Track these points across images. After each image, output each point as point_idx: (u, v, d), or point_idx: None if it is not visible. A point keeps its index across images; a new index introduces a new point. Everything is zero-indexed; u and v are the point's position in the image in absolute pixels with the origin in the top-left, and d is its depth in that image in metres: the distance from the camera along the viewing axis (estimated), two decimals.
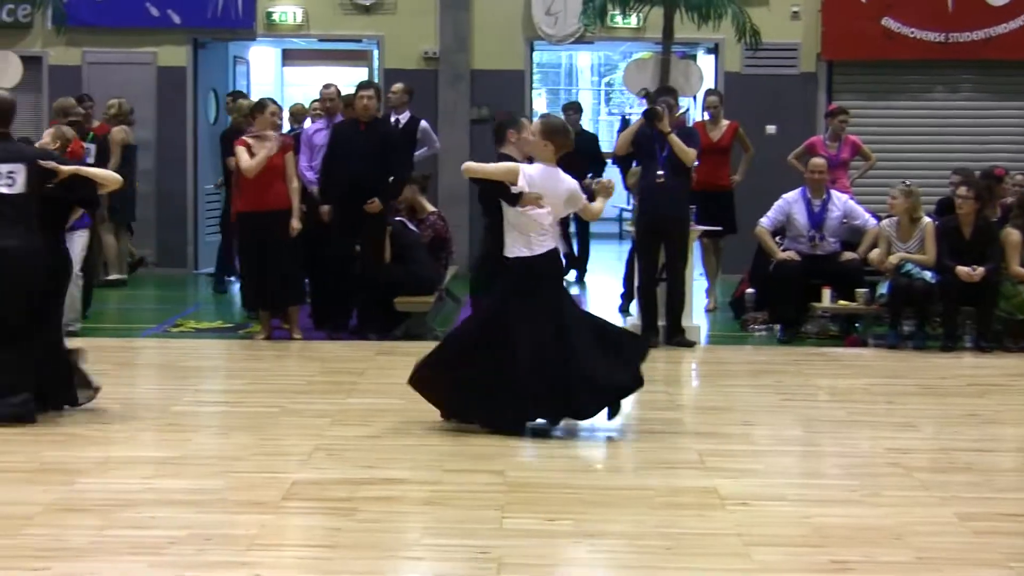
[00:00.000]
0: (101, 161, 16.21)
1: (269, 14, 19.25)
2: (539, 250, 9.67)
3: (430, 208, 14.71)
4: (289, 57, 24.71)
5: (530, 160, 10.10)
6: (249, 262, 13.72)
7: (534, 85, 21.21)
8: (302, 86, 23.26)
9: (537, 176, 9.70)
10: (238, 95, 17.45)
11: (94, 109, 17.39)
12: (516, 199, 9.60)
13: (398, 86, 16.33)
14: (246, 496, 7.92)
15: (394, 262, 13.76)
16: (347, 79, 19.06)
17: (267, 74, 23.90)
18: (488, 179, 9.87)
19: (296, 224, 13.41)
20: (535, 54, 20.29)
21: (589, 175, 14.24)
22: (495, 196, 9.85)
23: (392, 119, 15.63)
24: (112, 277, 17.46)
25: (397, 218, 14.05)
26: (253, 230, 13.49)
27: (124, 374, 11.92)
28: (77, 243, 13.63)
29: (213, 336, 14.07)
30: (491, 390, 9.53)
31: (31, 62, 18.25)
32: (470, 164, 9.92)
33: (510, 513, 7.58)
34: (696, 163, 13.71)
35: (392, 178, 13.76)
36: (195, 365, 12.80)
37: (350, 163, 13.61)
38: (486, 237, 11.33)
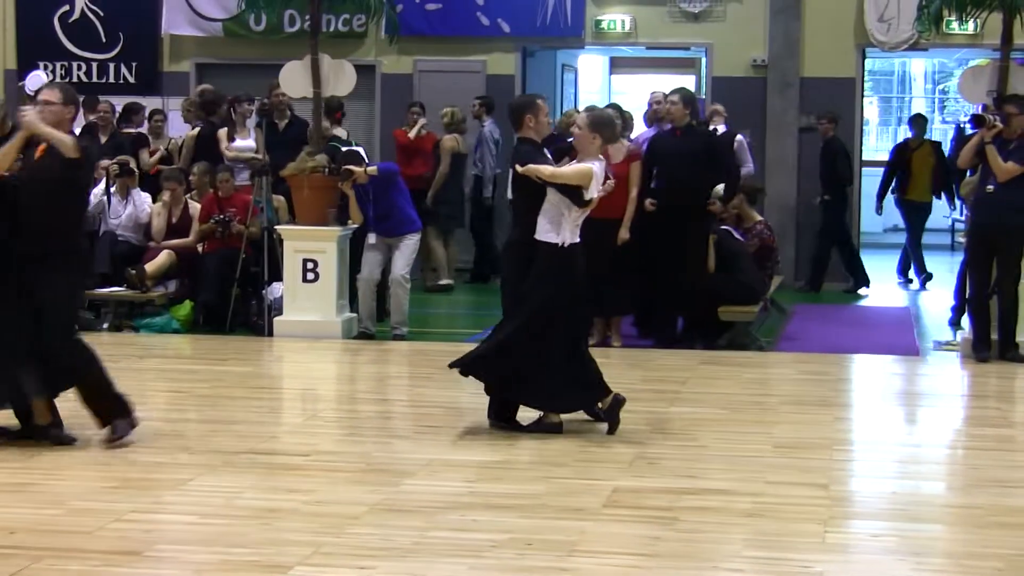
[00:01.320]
0: (422, 168, 16.51)
1: (598, 22, 19.33)
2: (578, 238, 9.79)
3: (757, 217, 14.54)
4: (617, 65, 24.78)
5: (549, 142, 10.11)
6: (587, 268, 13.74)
7: (865, 93, 20.82)
8: (630, 94, 23.28)
9: (601, 174, 9.72)
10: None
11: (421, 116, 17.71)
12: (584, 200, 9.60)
13: (717, 107, 16.36)
14: (567, 502, 7.92)
15: (719, 271, 13.64)
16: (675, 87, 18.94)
17: (595, 82, 24.01)
18: (563, 183, 9.58)
19: (625, 234, 13.40)
20: (867, 61, 19.90)
21: None
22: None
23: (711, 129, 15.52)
24: (442, 282, 17.75)
25: (723, 227, 13.92)
26: (594, 237, 13.50)
27: (449, 378, 12.05)
28: (406, 249, 13.92)
29: None
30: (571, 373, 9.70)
31: (365, 70, 18.66)
32: (541, 168, 9.59)
33: (832, 527, 7.42)
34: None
35: (723, 184, 13.62)
36: None
37: (669, 170, 13.55)
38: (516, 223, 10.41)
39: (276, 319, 14.09)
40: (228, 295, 14.42)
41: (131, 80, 19.88)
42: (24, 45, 20.12)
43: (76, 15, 20.06)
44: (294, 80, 15.07)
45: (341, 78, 15.03)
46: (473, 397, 11.02)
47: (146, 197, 15.33)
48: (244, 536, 7.15)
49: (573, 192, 9.58)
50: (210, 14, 19.64)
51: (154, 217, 15.16)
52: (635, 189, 13.51)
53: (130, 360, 12.87)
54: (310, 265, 13.99)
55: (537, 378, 9.66)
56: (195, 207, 15.07)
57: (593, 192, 9.65)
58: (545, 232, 9.67)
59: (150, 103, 17.75)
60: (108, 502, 7.75)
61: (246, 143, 16.27)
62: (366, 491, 8.06)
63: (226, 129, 16.54)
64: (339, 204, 14.10)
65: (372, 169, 13.73)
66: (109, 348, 13.27)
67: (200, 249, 14.95)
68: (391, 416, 10.95)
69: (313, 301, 13.98)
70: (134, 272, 14.54)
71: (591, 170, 9.64)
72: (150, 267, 14.67)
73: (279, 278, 14.24)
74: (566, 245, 9.70)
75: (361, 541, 7.10)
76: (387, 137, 18.68)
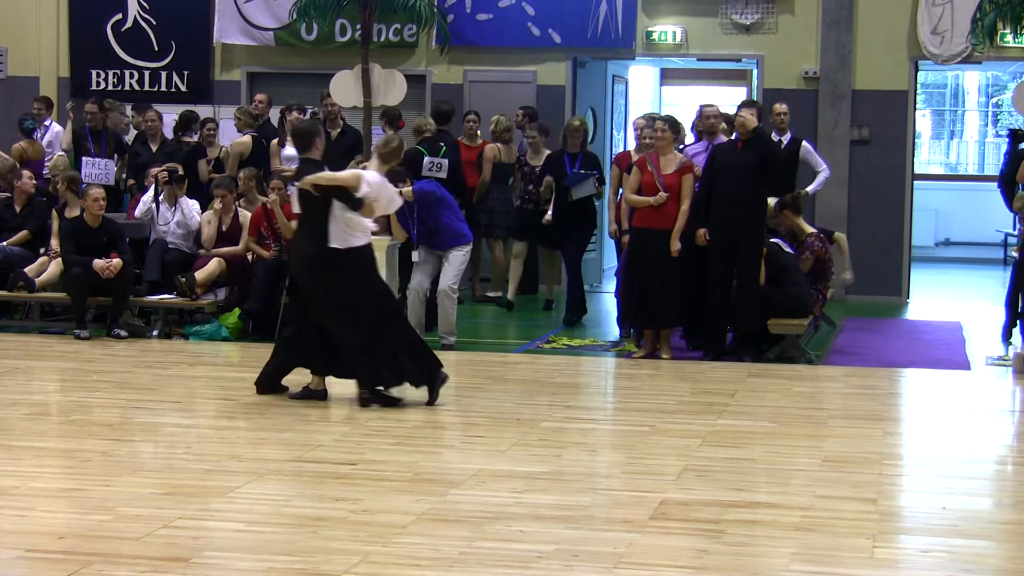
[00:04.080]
0: (468, 176, 16.50)
1: (649, 33, 19.29)
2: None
3: (809, 230, 14.46)
4: (668, 76, 24.74)
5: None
6: (631, 279, 13.75)
7: (918, 106, 20.72)
8: (681, 106, 23.24)
9: (377, 183, 10.97)
10: None
11: (479, 126, 17.68)
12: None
13: (782, 107, 16.17)
14: (614, 514, 7.91)
15: (769, 284, 13.58)
16: (726, 99, 18.94)
17: (645, 93, 23.97)
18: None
19: (676, 245, 13.37)
20: (920, 74, 19.80)
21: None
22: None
23: (775, 140, 15.44)
24: (490, 294, 17.69)
25: (773, 239, 13.86)
26: (644, 247, 13.55)
27: (495, 388, 12.07)
28: (455, 260, 13.90)
29: (585, 353, 14.14)
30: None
31: (415, 80, 18.70)
32: (314, 176, 10.77)
33: (882, 542, 7.37)
34: None
35: (775, 199, 13.57)
36: (566, 381, 12.87)
37: (728, 184, 13.49)
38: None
39: None
40: (276, 303, 14.44)
41: (183, 88, 19.97)
42: (77, 53, 20.24)
43: (129, 23, 20.17)
44: (345, 89, 15.15)
45: (392, 88, 15.10)
46: (521, 407, 11.03)
47: (194, 204, 15.38)
48: (291, 544, 7.16)
49: (344, 194, 10.73)
50: (262, 23, 19.70)
51: (204, 225, 15.21)
52: (687, 201, 13.48)
53: (180, 367, 12.93)
54: None
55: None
56: (245, 215, 15.11)
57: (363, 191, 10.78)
58: (350, 237, 10.79)
59: (202, 112, 17.81)
60: (156, 508, 7.77)
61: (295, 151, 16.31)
62: (413, 500, 8.06)
63: (277, 139, 16.61)
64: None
65: (407, 191, 13.73)
66: (159, 355, 13.37)
67: (249, 257, 14.98)
68: (439, 426, 10.93)
69: None
70: (184, 280, 14.59)
71: (360, 175, 10.88)
72: (200, 275, 14.72)
73: None
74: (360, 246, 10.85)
75: (408, 551, 7.09)
76: None
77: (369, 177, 10.94)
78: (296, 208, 11.06)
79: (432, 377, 11.14)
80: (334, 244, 10.80)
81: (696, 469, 9.00)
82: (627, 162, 14.72)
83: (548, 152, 16.46)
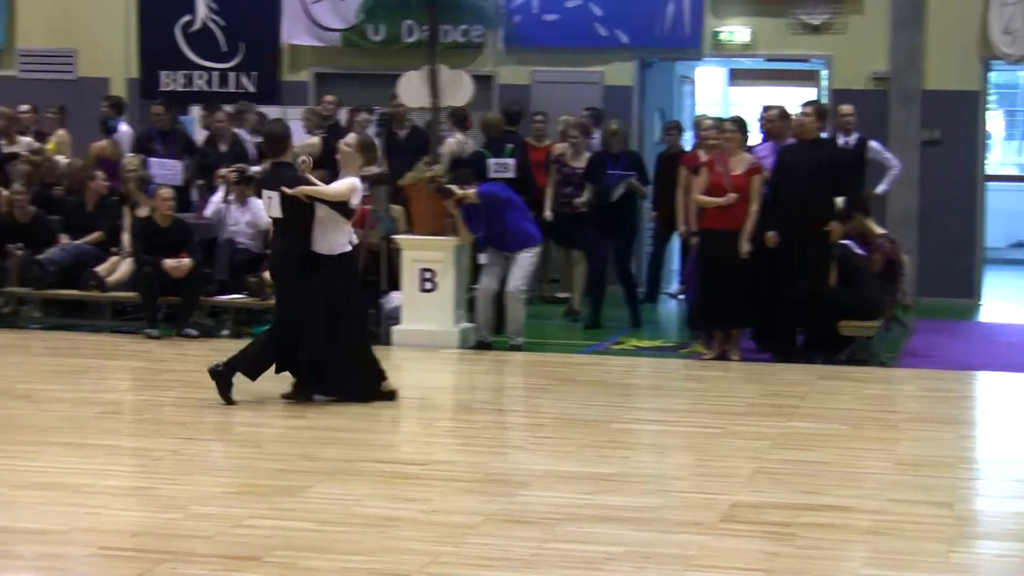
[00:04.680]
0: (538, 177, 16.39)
1: (716, 33, 19.20)
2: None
3: (879, 231, 14.36)
4: (735, 77, 24.64)
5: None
6: (700, 281, 13.70)
7: (989, 106, 20.52)
8: (748, 106, 23.14)
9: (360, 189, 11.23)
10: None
11: (546, 127, 17.63)
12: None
13: (847, 107, 16.06)
14: (685, 516, 7.87)
15: (840, 285, 13.49)
16: (794, 99, 18.80)
17: (713, 94, 23.89)
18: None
19: (746, 247, 13.31)
20: (991, 74, 19.62)
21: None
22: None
23: (841, 141, 15.34)
24: (560, 295, 17.58)
25: (843, 241, 13.77)
26: (712, 248, 13.50)
27: (564, 389, 12.04)
28: (523, 261, 13.89)
29: (654, 354, 14.09)
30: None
31: (482, 81, 18.67)
32: (309, 189, 10.92)
33: (957, 547, 7.30)
34: None
35: (842, 199, 13.46)
36: (635, 383, 12.85)
37: (795, 185, 13.41)
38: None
39: (394, 328, 14.12)
40: None
41: (251, 89, 20.03)
42: (147, 54, 20.35)
43: (198, 25, 20.26)
44: (412, 90, 15.14)
45: (458, 88, 15.07)
46: (589, 409, 11.00)
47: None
48: (362, 544, 7.16)
49: (341, 206, 10.91)
50: (329, 24, 19.75)
51: None
52: (756, 202, 13.42)
53: None
54: (428, 275, 14.01)
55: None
56: None
57: (355, 202, 11.06)
58: (326, 244, 10.92)
59: (270, 112, 17.86)
60: (228, 507, 7.80)
61: None
62: (483, 501, 8.05)
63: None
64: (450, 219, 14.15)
65: (471, 194, 13.72)
66: (229, 354, 13.40)
67: None
68: (508, 426, 10.94)
69: (430, 311, 14.00)
70: (254, 279, 14.64)
71: (353, 184, 11.02)
72: (269, 275, 14.75)
73: (397, 288, 14.28)
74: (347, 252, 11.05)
75: (478, 551, 7.09)
76: None
77: (358, 184, 11.14)
78: (276, 213, 11.02)
79: (367, 394, 11.14)
80: (320, 249, 10.93)
81: (767, 471, 8.94)
82: (694, 163, 14.66)
83: (589, 155, 16.21)
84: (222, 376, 10.84)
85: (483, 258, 14.12)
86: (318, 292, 10.88)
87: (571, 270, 16.69)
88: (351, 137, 11.56)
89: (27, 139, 17.22)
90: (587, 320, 15.57)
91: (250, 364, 10.99)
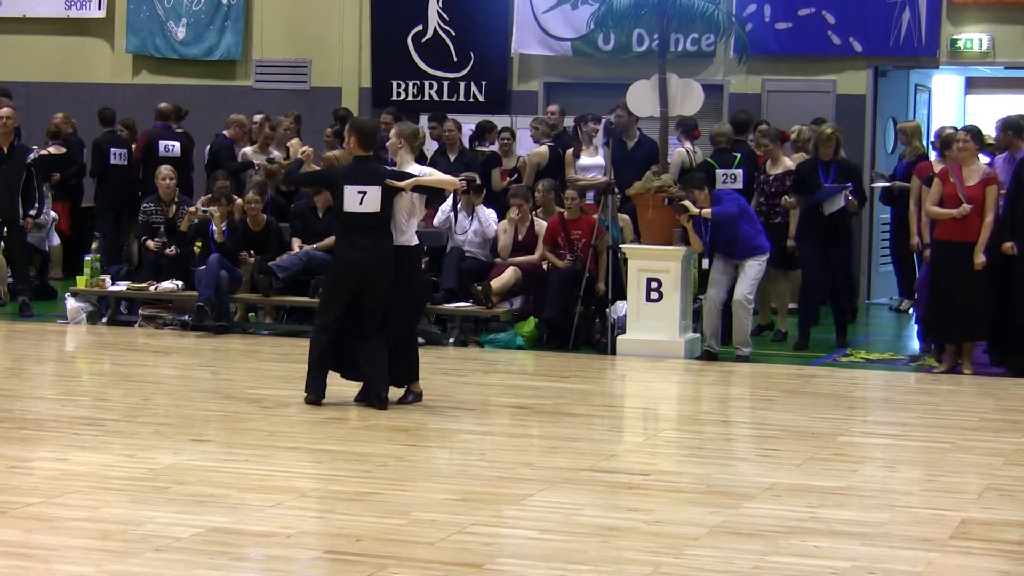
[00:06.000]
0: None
1: (953, 41, 18.82)
2: None
3: None
4: (973, 85, 24.10)
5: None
6: (933, 293, 13.42)
7: None
8: (986, 115, 22.60)
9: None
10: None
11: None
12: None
13: None
14: (912, 532, 7.71)
15: None
16: None
17: (949, 103, 23.39)
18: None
19: (981, 258, 13.01)
20: None
21: None
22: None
23: None
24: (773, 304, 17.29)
25: None
26: (947, 260, 13.23)
27: (792, 401, 11.90)
28: (751, 271, 13.76)
29: (883, 367, 13.84)
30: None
31: (712, 90, 18.54)
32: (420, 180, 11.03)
33: None
34: None
35: None
36: (864, 395, 12.65)
37: None
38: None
39: (619, 338, 14.10)
40: (572, 313, 14.49)
41: (481, 99, 20.21)
42: (378, 64, 20.65)
43: (429, 35, 20.51)
44: (641, 99, 15.10)
45: (688, 97, 14.99)
46: (817, 421, 10.86)
47: (491, 213, 15.54)
48: (583, 553, 7.13)
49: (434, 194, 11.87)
50: (560, 33, 19.83)
51: (500, 234, 15.34)
52: (991, 213, 13.11)
53: (474, 375, 13.07)
54: (654, 284, 13.96)
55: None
56: (541, 225, 15.20)
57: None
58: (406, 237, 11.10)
59: (499, 121, 17.98)
60: (451, 514, 7.84)
61: (592, 160, 16.37)
62: (706, 513, 7.97)
63: (573, 149, 16.67)
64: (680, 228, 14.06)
65: (707, 212, 13.63)
66: (455, 362, 13.55)
67: (544, 267, 15.06)
68: (733, 438, 10.83)
69: (657, 320, 13.94)
70: (480, 288, 14.74)
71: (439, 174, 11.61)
72: (496, 283, 14.85)
73: (623, 297, 14.25)
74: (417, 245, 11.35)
75: (700, 563, 7.02)
76: None
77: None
78: (374, 207, 10.95)
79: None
80: (409, 242, 11.13)
81: (999, 488, 8.72)
82: (927, 172, 14.36)
83: (790, 160, 15.66)
84: (385, 403, 11.01)
85: (712, 265, 13.97)
86: (401, 284, 10.99)
87: (775, 286, 15.78)
88: (393, 130, 11.61)
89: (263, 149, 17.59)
90: (796, 342, 14.88)
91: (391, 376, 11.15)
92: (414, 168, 11.17)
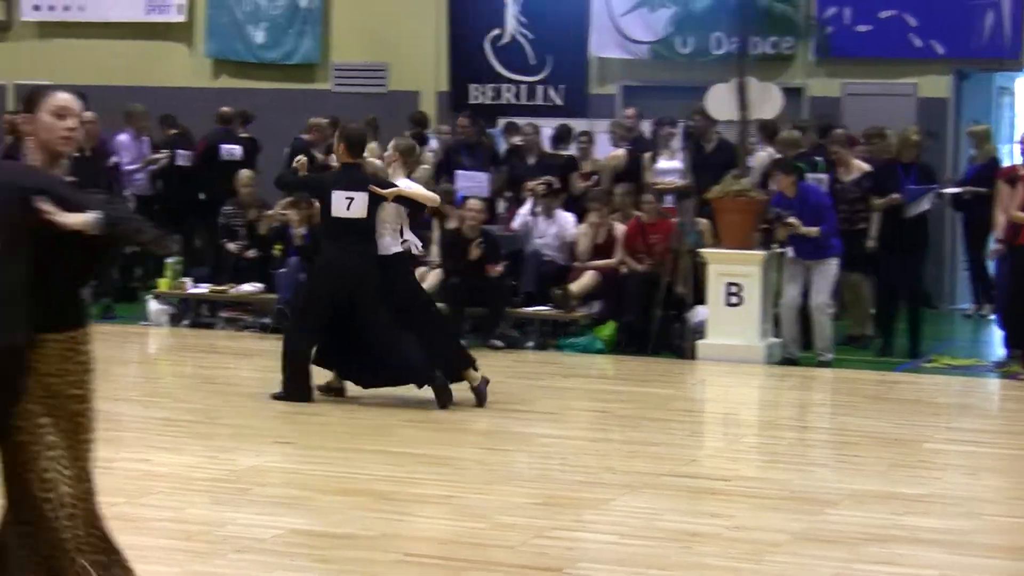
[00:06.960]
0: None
1: None
2: None
3: None
4: None
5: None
6: (1017, 298, 13.28)
7: None
8: None
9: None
10: None
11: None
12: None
13: None
14: (996, 540, 7.65)
15: None
16: None
17: None
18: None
19: None
20: None
21: None
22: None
23: None
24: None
25: None
26: (1014, 264, 13.11)
27: (874, 408, 11.80)
28: (825, 274, 13.68)
29: (968, 373, 13.70)
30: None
31: (791, 93, 18.43)
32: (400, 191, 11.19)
33: None
34: None
35: None
36: (948, 402, 12.53)
37: None
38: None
39: (699, 342, 14.04)
40: (651, 317, 14.44)
41: (558, 102, 20.18)
42: (456, 67, 20.67)
43: (507, 39, 20.50)
44: (720, 102, 15.05)
45: (767, 101, 14.93)
46: (900, 428, 10.77)
47: (569, 217, 15.52)
48: (664, 558, 7.11)
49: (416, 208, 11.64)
50: (638, 37, 19.75)
51: (580, 237, 15.32)
52: None
53: (553, 379, 13.05)
54: (734, 289, 13.89)
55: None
56: (619, 228, 15.16)
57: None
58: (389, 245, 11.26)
59: (577, 125, 17.95)
60: (531, 518, 7.83)
61: (670, 164, 16.30)
62: (788, 519, 7.92)
63: (651, 153, 16.62)
64: (762, 228, 13.96)
65: (813, 231, 13.54)
66: (533, 366, 13.55)
67: (623, 271, 15.02)
68: (814, 444, 10.77)
69: (736, 325, 13.88)
70: (559, 292, 14.73)
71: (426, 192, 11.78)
72: (575, 287, 14.83)
73: (702, 301, 14.20)
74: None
75: (782, 569, 6.98)
76: None
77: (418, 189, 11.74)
78: (360, 213, 11.10)
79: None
80: (388, 250, 11.25)
81: None
82: (1008, 175, 14.21)
83: (865, 164, 15.34)
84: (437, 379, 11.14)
85: (790, 253, 13.82)
86: (385, 292, 11.17)
87: (854, 292, 15.42)
88: (391, 144, 11.82)
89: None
90: (878, 347, 14.62)
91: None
92: (403, 183, 11.38)
